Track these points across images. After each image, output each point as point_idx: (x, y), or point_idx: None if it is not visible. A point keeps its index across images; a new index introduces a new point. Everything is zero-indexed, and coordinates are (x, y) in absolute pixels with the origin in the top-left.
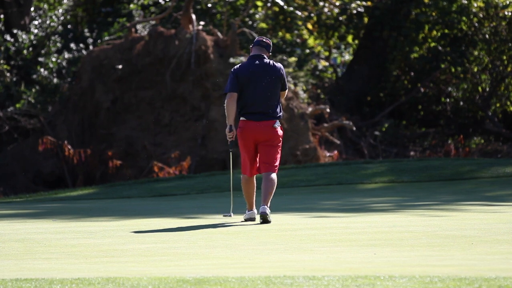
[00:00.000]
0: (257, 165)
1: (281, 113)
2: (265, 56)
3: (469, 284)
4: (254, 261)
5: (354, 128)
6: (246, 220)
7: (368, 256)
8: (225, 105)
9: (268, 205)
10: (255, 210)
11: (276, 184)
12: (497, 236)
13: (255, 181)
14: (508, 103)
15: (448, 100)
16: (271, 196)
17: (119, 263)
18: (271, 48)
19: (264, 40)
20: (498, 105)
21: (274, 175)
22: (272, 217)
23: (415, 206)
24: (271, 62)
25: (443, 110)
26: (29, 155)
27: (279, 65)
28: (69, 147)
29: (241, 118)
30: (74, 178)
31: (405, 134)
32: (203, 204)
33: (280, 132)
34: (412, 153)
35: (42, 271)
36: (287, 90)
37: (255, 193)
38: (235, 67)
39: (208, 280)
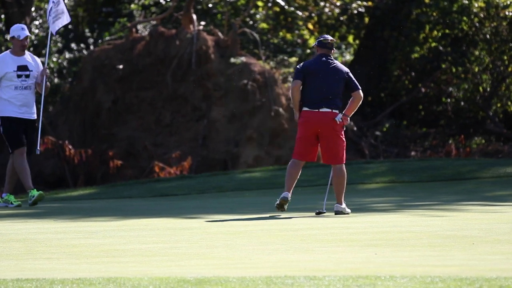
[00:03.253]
0: (313, 154)
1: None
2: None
3: (470, 284)
4: (255, 261)
5: (355, 128)
6: (279, 201)
7: (369, 256)
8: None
9: (342, 202)
10: (289, 194)
11: (345, 177)
12: (498, 236)
13: (300, 169)
14: (509, 103)
15: (449, 100)
16: (343, 192)
17: (120, 263)
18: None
19: (329, 40)
20: (499, 105)
21: (341, 167)
22: (273, 217)
23: (416, 206)
24: (336, 63)
25: (444, 110)
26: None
27: (344, 68)
28: (70, 147)
29: (305, 109)
30: (75, 178)
31: (406, 134)
32: (204, 204)
33: (339, 125)
34: (413, 153)
35: (43, 271)
36: (360, 92)
37: (296, 181)
38: (304, 63)
39: (209, 280)
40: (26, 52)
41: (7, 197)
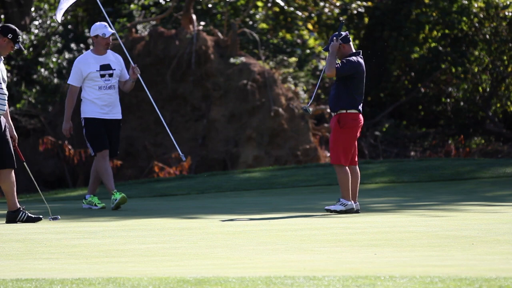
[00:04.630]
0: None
1: None
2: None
3: (469, 284)
4: (255, 261)
5: None
6: (345, 212)
7: (368, 256)
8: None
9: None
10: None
11: None
12: (498, 236)
13: None
14: (509, 103)
15: (448, 100)
16: None
17: (119, 263)
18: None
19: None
20: (498, 105)
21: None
22: (272, 217)
23: (416, 206)
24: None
25: (444, 110)
26: (30, 155)
27: None
28: (70, 147)
29: (354, 111)
30: (75, 178)
31: (405, 134)
32: (204, 204)
33: None
34: (412, 153)
35: (43, 271)
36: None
37: None
38: (354, 60)
39: (209, 280)
40: (108, 50)
41: (90, 198)
